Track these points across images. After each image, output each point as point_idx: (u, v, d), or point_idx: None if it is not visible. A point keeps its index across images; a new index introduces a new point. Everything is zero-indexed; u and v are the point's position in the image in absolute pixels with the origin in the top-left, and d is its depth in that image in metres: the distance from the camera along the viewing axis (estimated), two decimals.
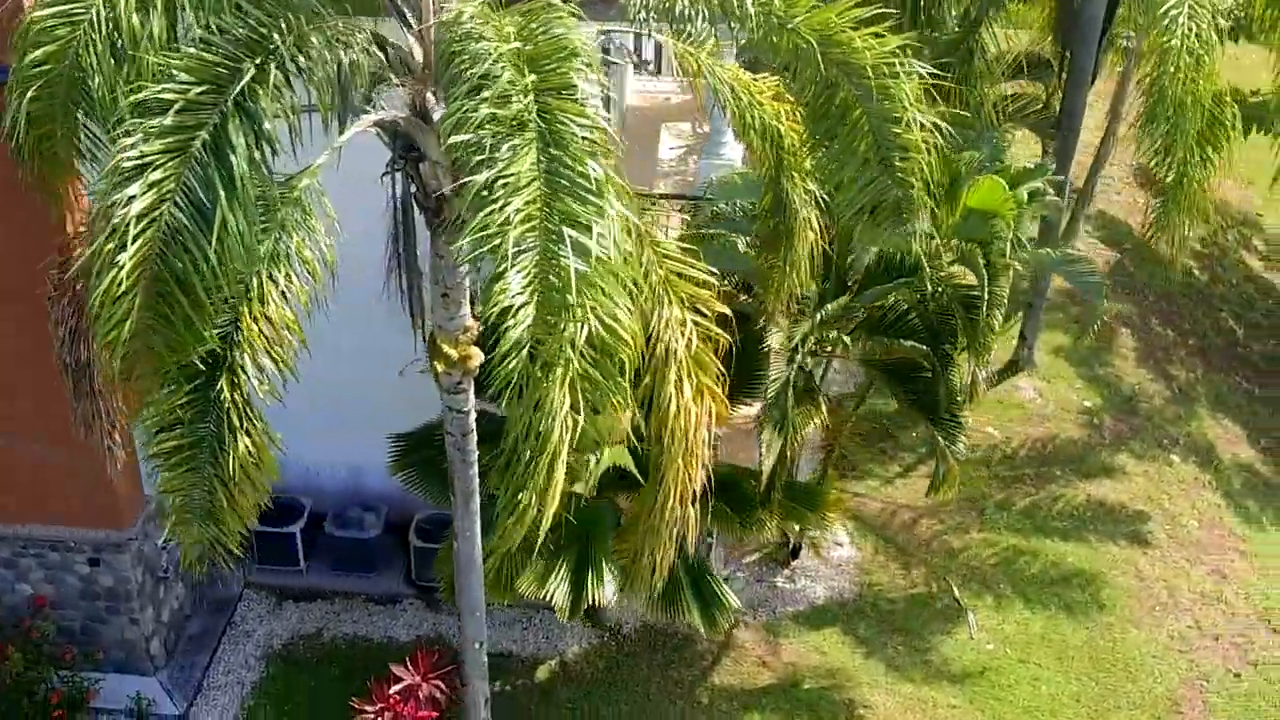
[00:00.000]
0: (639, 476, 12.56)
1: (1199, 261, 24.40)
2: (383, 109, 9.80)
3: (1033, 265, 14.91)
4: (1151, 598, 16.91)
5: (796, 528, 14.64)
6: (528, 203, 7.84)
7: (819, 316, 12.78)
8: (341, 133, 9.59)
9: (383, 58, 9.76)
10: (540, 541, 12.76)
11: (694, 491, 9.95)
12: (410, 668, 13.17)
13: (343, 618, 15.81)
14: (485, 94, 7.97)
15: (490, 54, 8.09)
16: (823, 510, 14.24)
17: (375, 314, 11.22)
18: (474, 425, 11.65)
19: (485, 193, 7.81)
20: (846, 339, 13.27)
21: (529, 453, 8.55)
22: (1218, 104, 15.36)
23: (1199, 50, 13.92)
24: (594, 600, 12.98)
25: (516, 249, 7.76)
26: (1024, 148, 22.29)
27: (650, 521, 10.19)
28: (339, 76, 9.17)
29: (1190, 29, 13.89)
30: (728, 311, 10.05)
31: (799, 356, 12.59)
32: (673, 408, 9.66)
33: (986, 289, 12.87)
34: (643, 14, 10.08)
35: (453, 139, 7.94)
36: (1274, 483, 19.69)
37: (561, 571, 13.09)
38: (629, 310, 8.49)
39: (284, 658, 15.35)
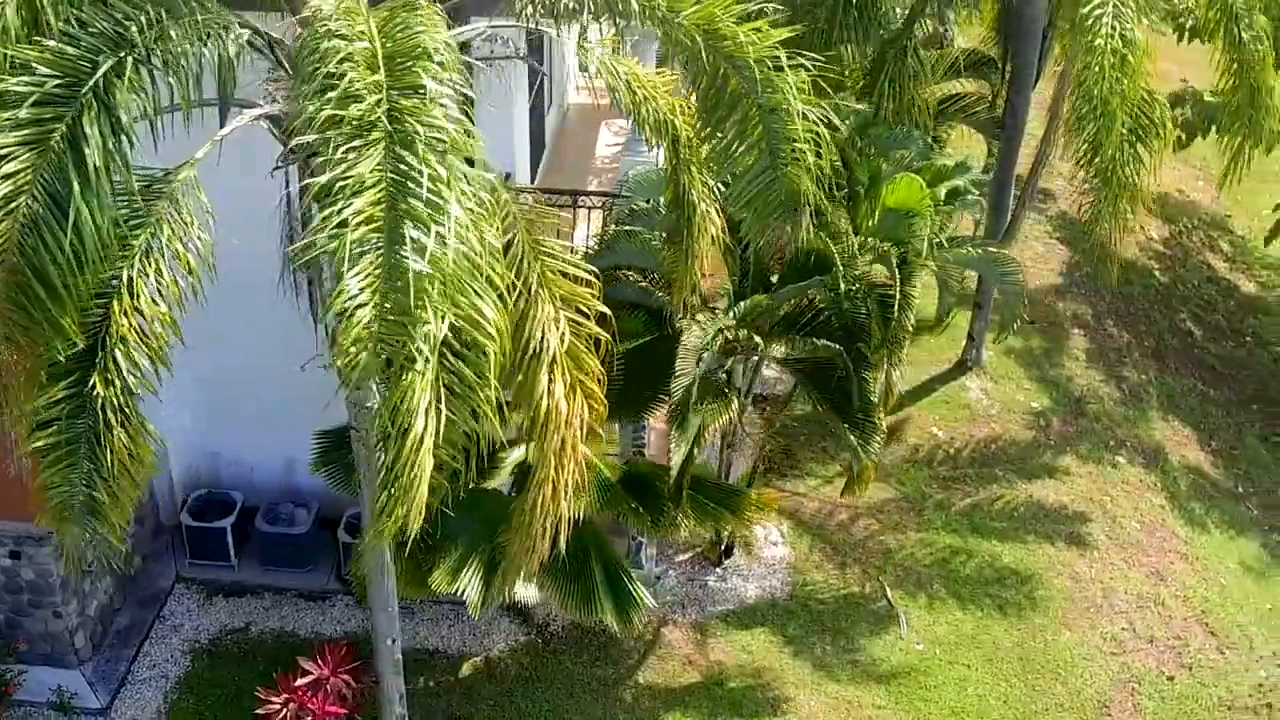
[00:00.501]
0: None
1: (1160, 263, 24.33)
2: (276, 103, 9.86)
3: (953, 265, 14.86)
4: (1086, 599, 16.85)
5: (719, 527, 14.60)
6: (371, 204, 7.86)
7: (730, 314, 12.76)
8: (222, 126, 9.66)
9: (267, 53, 9.83)
10: (440, 536, 13.00)
11: (567, 489, 9.94)
12: (319, 662, 13.19)
13: (271, 613, 15.85)
14: (331, 94, 7.98)
15: (337, 52, 8.10)
16: (743, 510, 14.19)
17: (305, 307, 11.23)
18: None
19: (327, 194, 7.82)
20: (758, 337, 13.24)
21: (396, 449, 8.59)
22: (1147, 103, 15.26)
23: (1123, 50, 13.84)
24: (505, 596, 13.00)
25: (357, 250, 7.77)
26: (977, 146, 22.28)
27: (521, 519, 10.20)
28: (218, 70, 9.21)
29: (1114, 28, 13.81)
30: (606, 310, 10.05)
31: (706, 355, 12.56)
32: (544, 405, 9.66)
33: (899, 289, 12.83)
34: (529, 9, 10.11)
35: (295, 140, 7.96)
36: (1222, 485, 19.64)
37: (473, 567, 13.10)
38: (495, 307, 8.52)
39: (210, 652, 15.39)
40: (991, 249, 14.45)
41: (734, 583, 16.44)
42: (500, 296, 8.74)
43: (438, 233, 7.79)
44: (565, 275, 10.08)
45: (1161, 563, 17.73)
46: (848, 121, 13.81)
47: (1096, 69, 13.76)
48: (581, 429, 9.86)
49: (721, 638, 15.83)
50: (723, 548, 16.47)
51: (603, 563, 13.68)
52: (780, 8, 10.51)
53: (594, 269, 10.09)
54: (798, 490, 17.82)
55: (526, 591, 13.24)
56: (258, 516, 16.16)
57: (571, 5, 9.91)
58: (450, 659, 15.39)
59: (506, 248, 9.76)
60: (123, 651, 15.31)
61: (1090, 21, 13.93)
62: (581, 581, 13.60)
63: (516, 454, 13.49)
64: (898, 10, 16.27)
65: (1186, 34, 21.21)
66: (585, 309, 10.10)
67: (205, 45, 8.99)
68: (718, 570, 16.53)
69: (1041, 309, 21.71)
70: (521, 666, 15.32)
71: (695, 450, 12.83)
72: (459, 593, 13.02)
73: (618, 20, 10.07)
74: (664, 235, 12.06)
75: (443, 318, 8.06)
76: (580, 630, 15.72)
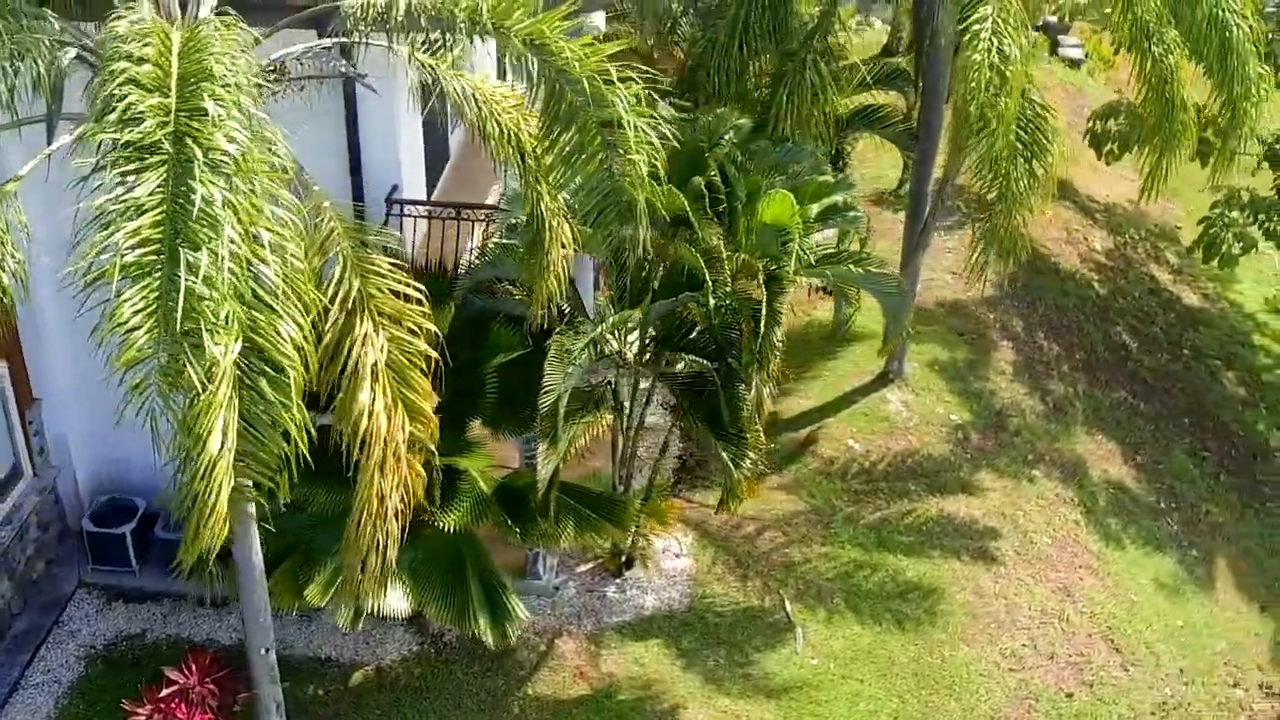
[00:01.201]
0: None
1: (1101, 274, 24.28)
2: None
3: (832, 280, 14.86)
4: (988, 615, 16.83)
5: (600, 539, 14.61)
6: (150, 226, 7.93)
7: (599, 328, 12.80)
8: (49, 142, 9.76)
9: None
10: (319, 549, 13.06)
11: (393, 503, 10.01)
12: (184, 671, 13.28)
13: (169, 620, 15.94)
14: (111, 117, 8.05)
15: (123, 74, 8.17)
16: (624, 522, 14.25)
17: None
18: None
19: (102, 217, 7.90)
20: (628, 351, 13.29)
21: (193, 469, 8.68)
22: (1039, 118, 15.23)
23: (1001, 66, 13.81)
24: (376, 610, 13.07)
25: (136, 273, 7.85)
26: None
27: (348, 534, 10.26)
28: (40, 86, 9.31)
29: (991, 44, 13.78)
30: (434, 327, 10.10)
31: (573, 369, 12.60)
32: (363, 422, 9.73)
33: (766, 305, 12.85)
34: (360, 26, 10.18)
35: (76, 161, 8.04)
36: (1143, 501, 19.60)
37: (342, 580, 13.15)
38: (297, 327, 8.60)
39: (105, 658, 15.48)
40: (872, 266, 14.41)
41: (633, 594, 16.47)
42: (324, 313, 8.84)
43: (219, 254, 7.85)
44: (395, 293, 10.14)
45: (1070, 578, 17.70)
46: (729, 136, 13.82)
47: (973, 85, 13.74)
48: (403, 444, 9.91)
49: (615, 649, 15.85)
50: (623, 559, 16.49)
51: (479, 575, 13.75)
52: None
53: (422, 287, 10.13)
54: (706, 502, 17.82)
55: (398, 604, 13.27)
56: (158, 523, 16.25)
57: (402, 20, 9.96)
58: (342, 667, 15.46)
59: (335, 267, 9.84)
60: (18, 657, 15.41)
61: (968, 37, 13.92)
62: (457, 594, 13.68)
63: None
64: (799, 23, 16.21)
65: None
66: (416, 325, 10.15)
67: (22, 62, 9.09)
68: (617, 581, 16.56)
69: (971, 320, 21.67)
70: (412, 676, 15.38)
71: (560, 465, 12.86)
72: (328, 604, 13.08)
73: (446, 34, 10.13)
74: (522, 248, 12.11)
75: (236, 339, 8.14)
76: (474, 641, 15.70)
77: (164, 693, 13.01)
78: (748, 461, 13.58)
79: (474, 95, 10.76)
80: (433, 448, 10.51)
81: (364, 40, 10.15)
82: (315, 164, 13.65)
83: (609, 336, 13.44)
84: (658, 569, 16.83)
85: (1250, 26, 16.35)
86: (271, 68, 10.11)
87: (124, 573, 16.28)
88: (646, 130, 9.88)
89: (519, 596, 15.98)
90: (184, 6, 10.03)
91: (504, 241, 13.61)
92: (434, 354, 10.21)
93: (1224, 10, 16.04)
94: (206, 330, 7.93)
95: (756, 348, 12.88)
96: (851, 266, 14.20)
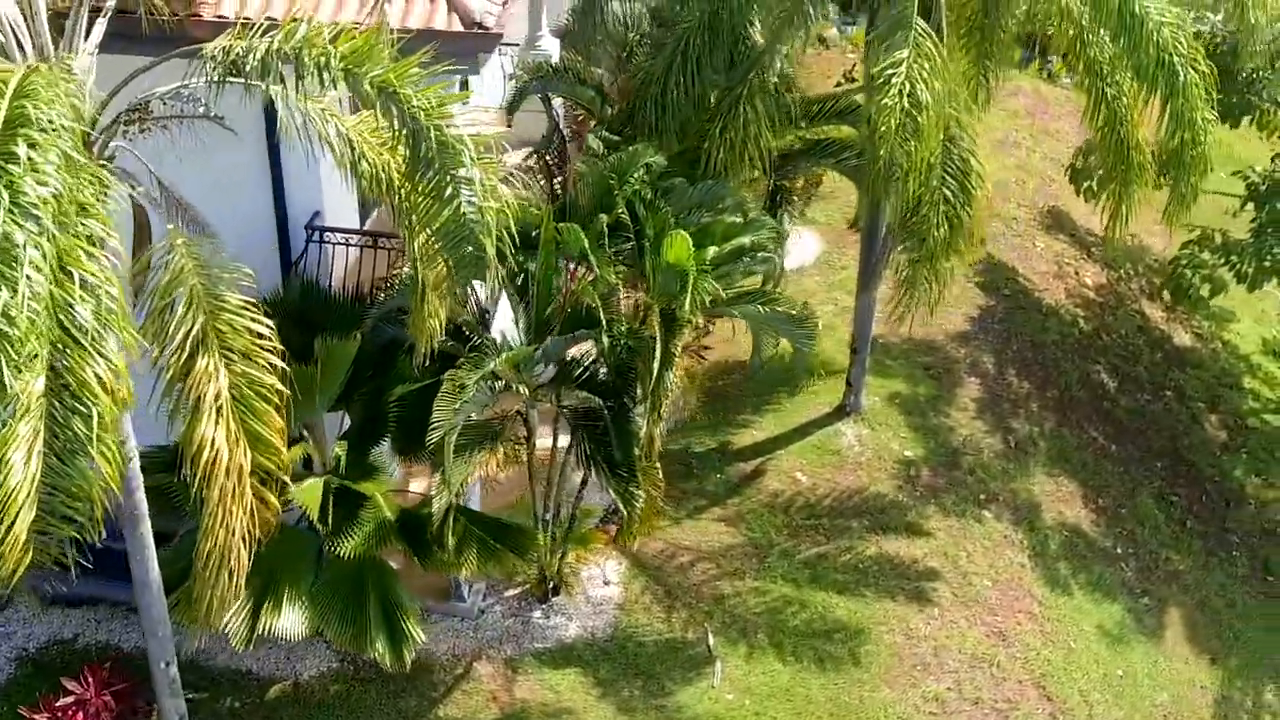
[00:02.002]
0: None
1: (1088, 310, 23.98)
2: None
3: (746, 319, 14.86)
4: (915, 657, 16.73)
5: (503, 568, 14.72)
6: None
7: (489, 365, 12.95)
8: None
9: None
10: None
11: (238, 532, 10.23)
12: (82, 682, 13.61)
13: (102, 626, 16.31)
14: None
15: None
16: (528, 551, 14.39)
17: None
18: (135, 452, 12.10)
19: None
20: (524, 387, 13.43)
21: None
22: (964, 166, 15.11)
23: (915, 112, 13.75)
24: (266, 631, 13.31)
25: None
26: None
27: (198, 564, 10.50)
28: None
29: (904, 88, 13.73)
30: (279, 363, 10.31)
31: (461, 404, 12.75)
32: (204, 455, 9.95)
33: (659, 344, 12.92)
34: (219, 70, 10.40)
35: None
36: (1099, 545, 19.37)
37: (241, 600, 13.41)
38: (110, 365, 8.86)
39: (35, 661, 15.90)
40: (780, 306, 14.39)
41: (557, 621, 16.58)
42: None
43: (19, 292, 8.09)
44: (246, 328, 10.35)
45: (1007, 623, 17.54)
46: (638, 174, 13.89)
47: (883, 129, 13.70)
48: (245, 476, 10.12)
49: (532, 675, 15.98)
50: (549, 585, 16.60)
51: (380, 598, 13.94)
52: None
53: (269, 322, 10.33)
54: (642, 530, 17.86)
55: (295, 627, 13.50)
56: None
57: (256, 65, 10.17)
58: (261, 681, 15.74)
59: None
60: None
61: (881, 81, 13.88)
62: (357, 617, 13.88)
63: (308, 484, 13.73)
64: (743, 57, 16.18)
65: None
66: (265, 360, 10.36)
67: None
68: (543, 607, 16.68)
69: (939, 355, 21.51)
70: (327, 693, 15.62)
71: (458, 495, 13.02)
72: (225, 625, 13.33)
73: (301, 77, 10.32)
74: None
75: (38, 375, 8.39)
76: (426, 665, 15.95)
77: (60, 702, 13.35)
78: (639, 498, 13.62)
79: (345, 135, 10.92)
80: (286, 479, 10.70)
81: (224, 81, 10.35)
82: (237, 190, 14.03)
83: (512, 370, 13.57)
84: (585, 596, 16.93)
85: (1201, 72, 16.13)
86: (134, 107, 10.36)
87: (64, 578, 16.65)
88: (490, 180, 10.00)
89: (442, 619, 16.42)
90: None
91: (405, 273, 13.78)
92: (284, 389, 10.40)
93: (1173, 54, 15.82)
94: (8, 366, 8.18)
95: (650, 387, 12.95)
96: (759, 307, 14.21)
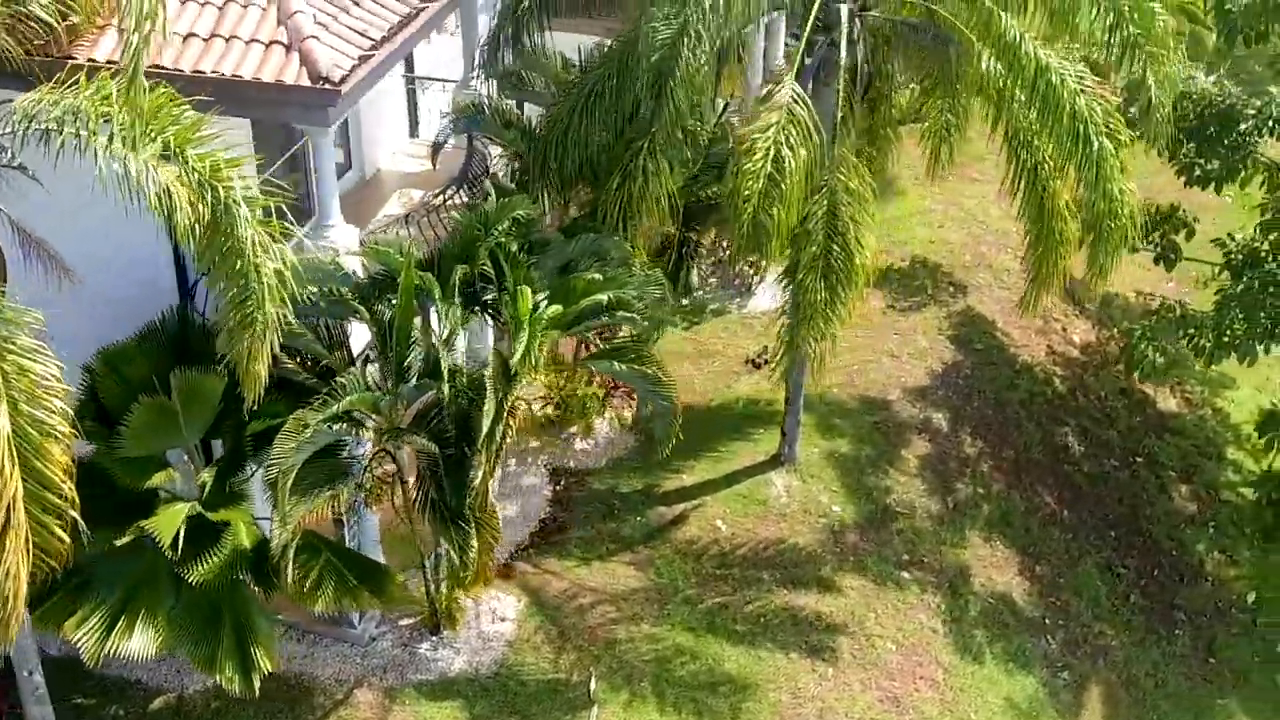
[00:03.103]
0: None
1: (1067, 369, 23.50)
2: None
3: (609, 375, 14.93)
4: (798, 717, 16.65)
5: (359, 603, 15.01)
6: None
7: (331, 409, 13.27)
8: None
9: None
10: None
11: (15, 562, 10.69)
12: None
13: None
14: None
15: None
16: (386, 589, 14.69)
17: None
18: None
19: None
20: (369, 428, 13.73)
21: None
22: (844, 231, 14.95)
23: (779, 177, 13.71)
24: (113, 651, 13.79)
25: None
26: None
27: None
28: None
29: (769, 152, 13.70)
30: (68, 409, 10.75)
31: (299, 442, 13.08)
32: None
33: (491, 396, 13.12)
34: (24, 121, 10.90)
35: None
36: (1026, 615, 19.02)
37: (96, 618, 13.93)
38: None
39: None
40: (639, 364, 14.45)
41: (445, 654, 16.83)
42: None
43: None
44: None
45: (905, 689, 17.34)
46: (506, 225, 14.08)
47: (745, 194, 13.70)
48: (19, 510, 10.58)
49: (409, 707, 16.26)
50: (438, 618, 16.87)
51: (234, 625, 14.34)
52: None
53: (59, 363, 10.77)
54: (551, 568, 18.08)
55: (145, 646, 13.97)
56: None
57: (54, 120, 10.64)
58: (148, 692, 16.27)
59: None
60: None
61: (745, 146, 13.88)
62: (210, 642, 14.30)
63: (162, 513, 14.20)
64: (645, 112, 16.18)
65: None
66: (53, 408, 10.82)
67: None
68: (434, 639, 16.94)
69: (892, 411, 21.28)
70: (208, 709, 16.09)
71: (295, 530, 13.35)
72: (77, 641, 13.86)
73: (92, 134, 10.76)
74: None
75: None
76: (278, 681, 16.38)
77: None
78: (471, 551, 13.81)
79: (165, 187, 11.31)
80: (74, 514, 11.14)
81: (29, 131, 10.82)
82: (135, 220, 14.54)
83: (372, 410, 13.88)
84: (478, 631, 17.15)
85: (1120, 141, 15.81)
86: None
87: None
88: (266, 240, 10.33)
89: (334, 644, 16.81)
90: None
91: None
92: (69, 429, 10.85)
93: (1088, 124, 15.51)
94: None
95: (481, 438, 13.15)
96: (616, 363, 14.30)
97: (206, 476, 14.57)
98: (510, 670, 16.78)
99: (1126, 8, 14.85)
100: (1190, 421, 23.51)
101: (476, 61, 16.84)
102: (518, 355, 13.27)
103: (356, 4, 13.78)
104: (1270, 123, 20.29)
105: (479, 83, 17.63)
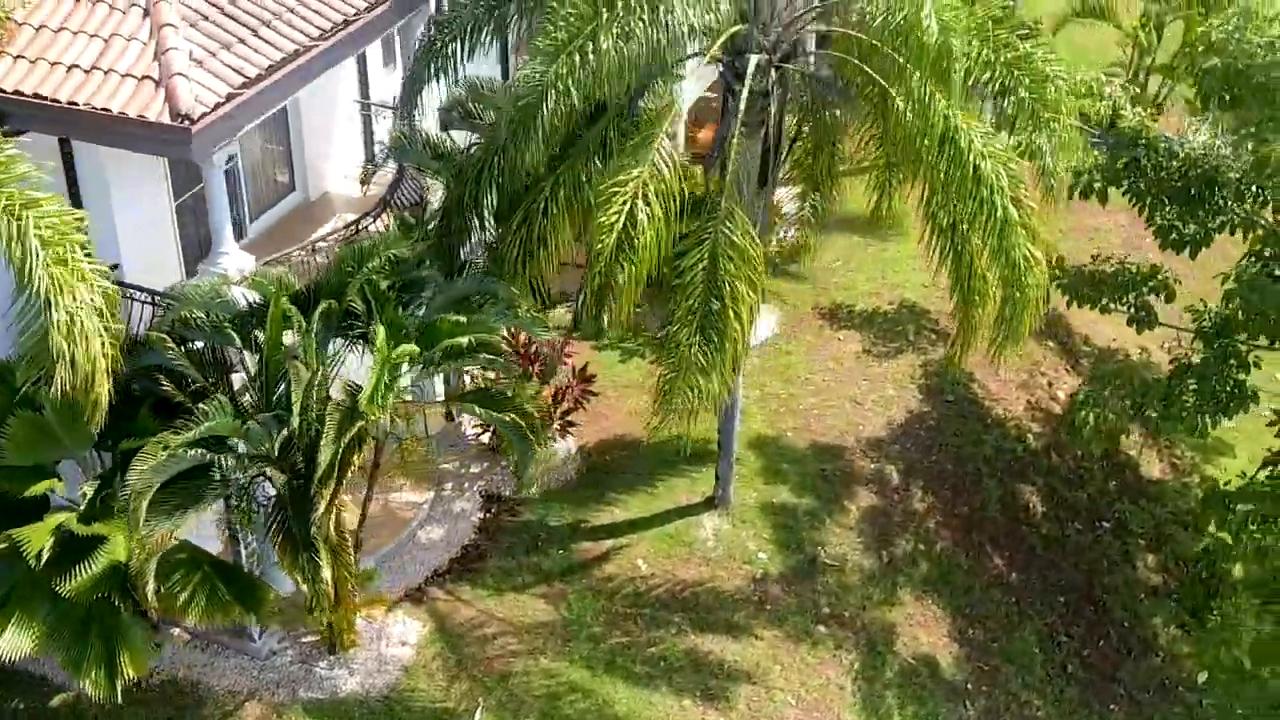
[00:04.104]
0: None
1: (1045, 425, 22.92)
2: None
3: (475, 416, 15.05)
4: None
5: (232, 618, 15.35)
6: None
7: (194, 433, 13.65)
8: None
9: None
10: None
11: None
12: None
13: None
14: None
15: None
16: (259, 606, 15.04)
17: None
18: None
19: None
20: (237, 453, 14.12)
21: None
22: (721, 288, 14.77)
23: (632, 231, 13.67)
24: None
25: None
26: None
27: None
28: None
29: (624, 208, 13.69)
30: None
31: (157, 464, 13.49)
32: None
33: (330, 432, 13.37)
34: None
35: None
36: (947, 679, 18.66)
37: None
38: None
39: None
40: (501, 409, 14.52)
41: (340, 673, 17.13)
42: None
43: None
44: None
45: None
46: (377, 262, 14.31)
47: (599, 247, 13.71)
48: None
49: None
50: (335, 638, 17.19)
51: (103, 634, 14.85)
52: None
53: None
54: (463, 596, 18.26)
55: (16, 647, 14.53)
56: None
57: None
58: (51, 688, 16.86)
59: None
60: None
61: (602, 200, 13.89)
62: (80, 647, 14.82)
63: (33, 526, 14.73)
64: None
65: None
66: None
67: None
68: (332, 658, 17.26)
69: (843, 460, 21.00)
70: (102, 710, 16.55)
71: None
72: None
73: None
74: None
75: None
76: (176, 687, 16.89)
77: None
78: (320, 578, 14.06)
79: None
80: None
81: None
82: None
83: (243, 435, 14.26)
84: (378, 653, 17.42)
85: (1029, 209, 15.44)
86: None
87: None
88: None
89: (235, 655, 17.25)
90: None
91: (158, 334, 14.62)
92: None
93: (994, 190, 15.18)
94: None
95: (320, 472, 13.41)
96: (477, 406, 14.43)
97: (88, 489, 15.07)
98: (400, 695, 17.01)
99: (1016, 73, 14.47)
100: (1172, 488, 22.75)
101: (398, 97, 17.11)
102: (366, 392, 13.50)
103: (242, 41, 14.14)
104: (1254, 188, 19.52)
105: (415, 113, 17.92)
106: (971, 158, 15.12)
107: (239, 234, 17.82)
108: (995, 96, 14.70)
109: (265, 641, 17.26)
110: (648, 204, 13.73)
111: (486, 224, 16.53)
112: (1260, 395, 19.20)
